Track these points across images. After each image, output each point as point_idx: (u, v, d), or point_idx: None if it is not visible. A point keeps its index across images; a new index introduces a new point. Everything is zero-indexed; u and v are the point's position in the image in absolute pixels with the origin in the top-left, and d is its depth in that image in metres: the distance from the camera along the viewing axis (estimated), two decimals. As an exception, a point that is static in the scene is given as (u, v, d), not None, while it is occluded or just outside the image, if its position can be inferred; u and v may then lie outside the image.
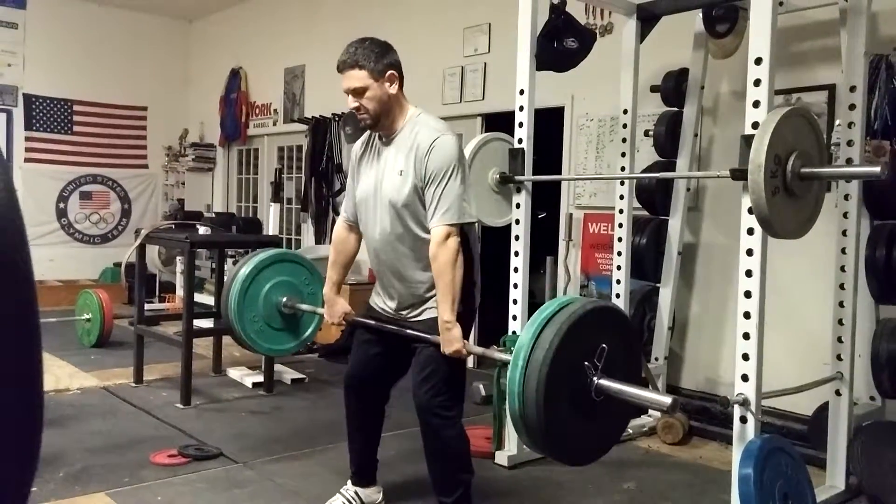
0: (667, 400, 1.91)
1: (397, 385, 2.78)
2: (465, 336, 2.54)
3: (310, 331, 3.08)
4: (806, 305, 3.78)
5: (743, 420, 2.74)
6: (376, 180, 2.54)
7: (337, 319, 2.74)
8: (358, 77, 2.45)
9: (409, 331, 2.54)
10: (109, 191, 8.57)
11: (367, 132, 2.67)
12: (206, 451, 3.45)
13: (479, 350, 2.50)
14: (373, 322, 2.67)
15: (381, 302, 2.68)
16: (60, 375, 4.80)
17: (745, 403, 2.73)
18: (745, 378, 2.75)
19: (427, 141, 2.42)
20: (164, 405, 4.23)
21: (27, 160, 7.96)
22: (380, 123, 2.52)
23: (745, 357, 2.76)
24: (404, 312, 2.60)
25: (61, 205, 8.26)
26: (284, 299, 2.92)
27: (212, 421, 3.99)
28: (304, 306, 2.94)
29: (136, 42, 8.58)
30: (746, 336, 2.76)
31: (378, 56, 2.48)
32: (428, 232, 2.46)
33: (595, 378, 1.89)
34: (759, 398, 2.75)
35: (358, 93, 2.46)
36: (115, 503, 2.87)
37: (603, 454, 2.13)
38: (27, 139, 7.98)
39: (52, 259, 7.82)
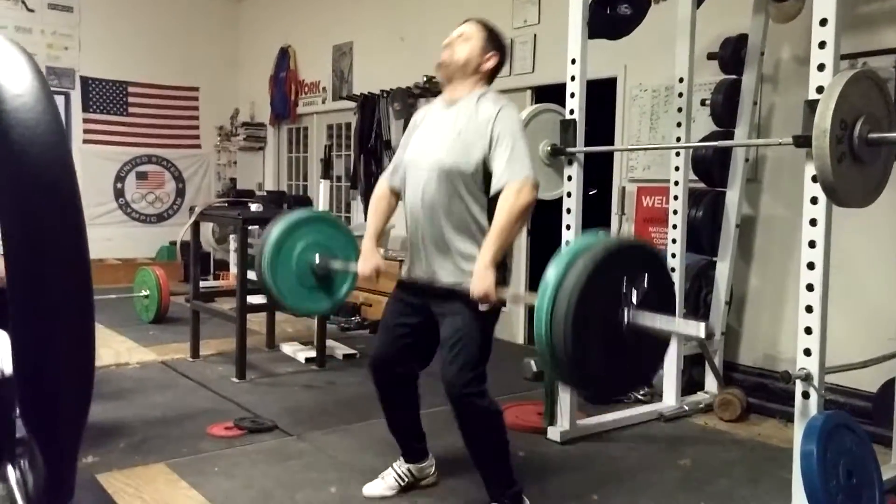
0: (700, 326, 1.85)
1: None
2: (493, 321, 2.50)
3: (344, 290, 3.00)
4: (870, 279, 3.64)
5: (805, 395, 2.66)
6: (430, 142, 2.53)
7: (369, 272, 2.65)
8: (470, 28, 2.56)
9: (440, 284, 2.47)
10: (164, 170, 8.75)
11: (433, 103, 2.68)
12: (260, 423, 3.51)
13: (511, 293, 2.42)
14: (404, 278, 2.63)
15: (415, 272, 2.59)
16: (120, 350, 4.94)
17: (807, 378, 2.65)
18: (807, 352, 2.66)
19: (493, 107, 2.45)
20: (220, 379, 4.32)
21: (86, 141, 8.16)
22: (453, 80, 2.55)
23: (808, 331, 2.67)
24: (441, 282, 2.50)
25: (119, 185, 8.46)
26: (317, 258, 2.88)
27: (266, 395, 4.06)
28: (337, 263, 2.89)
29: (188, 23, 8.69)
30: (809, 309, 2.67)
31: (494, 35, 2.59)
32: (476, 202, 2.44)
33: (628, 310, 1.83)
34: (823, 373, 2.67)
35: (460, 37, 2.53)
36: (175, 473, 2.95)
37: (632, 390, 2.06)
38: (85, 121, 8.18)
39: (110, 238, 8.03)
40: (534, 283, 2.73)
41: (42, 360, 0.37)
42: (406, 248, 2.68)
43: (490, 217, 2.42)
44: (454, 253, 2.48)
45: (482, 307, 2.37)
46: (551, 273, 1.84)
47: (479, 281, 2.30)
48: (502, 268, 2.44)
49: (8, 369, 0.44)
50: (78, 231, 0.39)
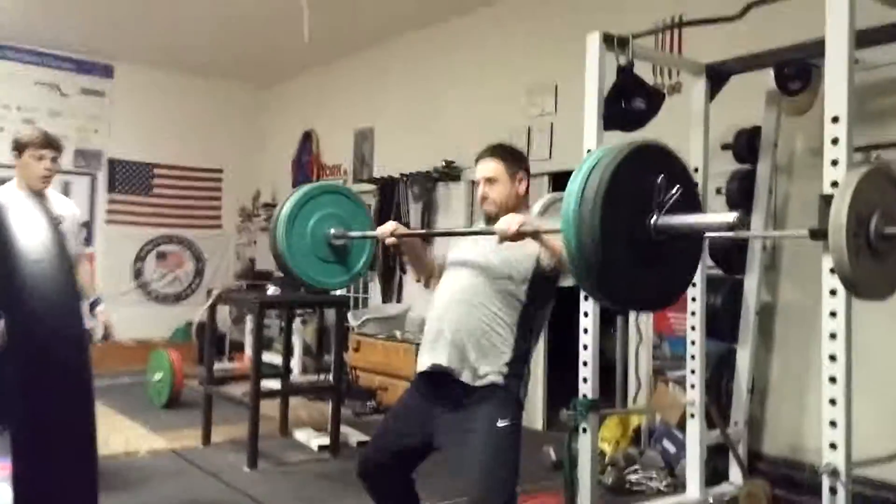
0: (729, 217, 1.76)
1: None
2: (518, 447, 2.41)
3: (361, 262, 2.92)
4: (894, 369, 3.58)
5: (833, 491, 2.58)
6: (474, 243, 2.60)
7: (391, 228, 2.62)
8: (493, 167, 2.61)
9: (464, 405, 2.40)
10: (185, 250, 8.87)
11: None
12: (272, 514, 3.44)
13: (534, 226, 2.27)
14: (419, 231, 2.62)
15: (436, 359, 2.49)
16: (130, 437, 4.87)
17: (834, 473, 2.58)
18: (833, 446, 2.60)
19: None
20: (231, 468, 4.26)
21: (108, 221, 8.34)
22: (498, 215, 2.51)
23: (833, 424, 2.61)
24: (465, 375, 2.43)
25: (138, 265, 8.57)
26: (332, 230, 2.81)
27: (278, 485, 3.99)
28: (354, 233, 2.82)
29: (214, 107, 8.98)
30: (833, 402, 2.62)
31: (515, 158, 2.66)
32: (501, 317, 2.44)
33: (656, 215, 1.76)
34: (850, 467, 2.60)
35: (490, 181, 2.60)
36: (184, 567, 2.87)
37: (667, 304, 1.97)
38: (109, 201, 8.37)
39: (126, 319, 8.05)
40: (551, 375, 2.70)
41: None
42: (425, 343, 2.59)
43: (521, 332, 2.44)
44: (478, 359, 2.42)
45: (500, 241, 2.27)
46: (575, 177, 1.79)
47: (506, 219, 2.25)
48: (519, 375, 2.44)
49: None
50: (85, 407, 0.41)
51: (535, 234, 2.26)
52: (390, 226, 2.66)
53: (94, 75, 8.30)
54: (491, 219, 2.59)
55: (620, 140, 3.54)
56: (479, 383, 2.41)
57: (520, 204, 2.62)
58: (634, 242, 1.79)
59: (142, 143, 8.52)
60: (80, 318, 0.42)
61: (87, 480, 0.40)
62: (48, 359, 0.39)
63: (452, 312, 2.48)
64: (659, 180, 1.79)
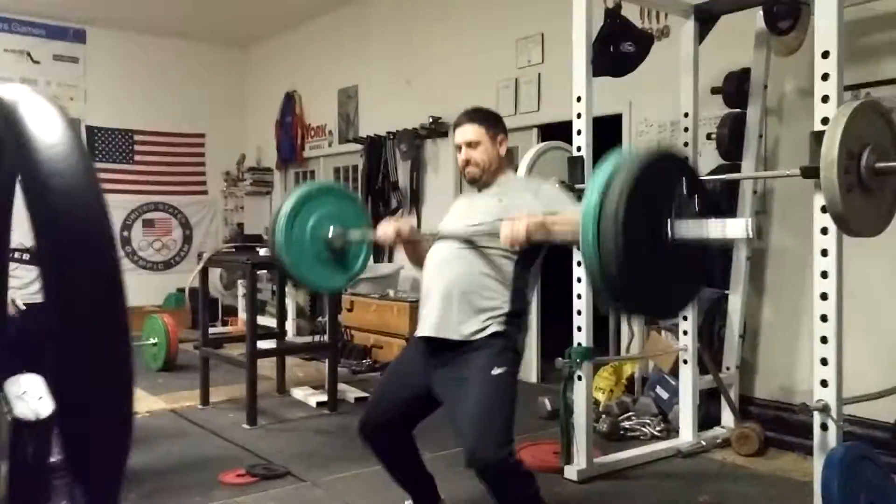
0: (742, 222, 1.84)
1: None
2: (514, 395, 2.43)
3: (359, 264, 2.91)
4: (886, 307, 3.61)
5: (824, 427, 2.63)
6: (462, 212, 2.66)
7: (392, 231, 2.60)
8: (474, 131, 2.62)
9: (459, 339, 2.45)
10: (171, 217, 8.80)
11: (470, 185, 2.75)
12: (273, 469, 3.47)
13: (539, 221, 2.25)
14: (428, 234, 2.69)
15: (432, 328, 2.51)
16: (130, 398, 4.89)
17: (825, 410, 2.62)
18: (824, 384, 2.64)
19: (525, 186, 2.65)
20: (231, 426, 4.28)
21: (94, 191, 8.24)
22: (482, 178, 2.64)
23: (824, 362, 2.65)
24: (454, 326, 2.45)
25: (125, 233, 8.50)
26: (331, 231, 2.78)
27: (278, 440, 4.02)
28: (355, 233, 2.79)
29: (193, 70, 8.82)
30: (824, 340, 2.66)
31: (493, 120, 2.68)
32: (495, 274, 2.47)
33: (672, 221, 1.78)
34: (841, 404, 2.64)
35: (472, 146, 2.61)
36: (188, 522, 2.90)
37: (684, 306, 2.00)
38: (93, 170, 8.26)
39: (118, 286, 8.06)
40: (546, 325, 2.72)
41: (85, 407, 0.37)
42: (423, 305, 2.61)
43: (517, 283, 2.47)
44: (473, 313, 2.44)
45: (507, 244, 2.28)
46: (598, 176, 1.77)
47: (511, 223, 2.23)
48: (516, 324, 2.48)
49: (43, 412, 0.44)
50: (113, 278, 0.40)
51: (546, 234, 2.26)
52: (392, 228, 2.62)
53: (66, 41, 8.10)
54: (475, 181, 2.65)
55: (611, 84, 3.53)
56: (473, 337, 2.43)
57: (501, 165, 2.66)
58: (653, 250, 1.79)
59: (121, 109, 8.38)
60: (103, 202, 0.41)
61: (122, 351, 0.39)
62: (75, 230, 0.38)
63: (444, 269, 2.52)
64: (677, 188, 1.82)
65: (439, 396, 2.49)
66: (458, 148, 2.65)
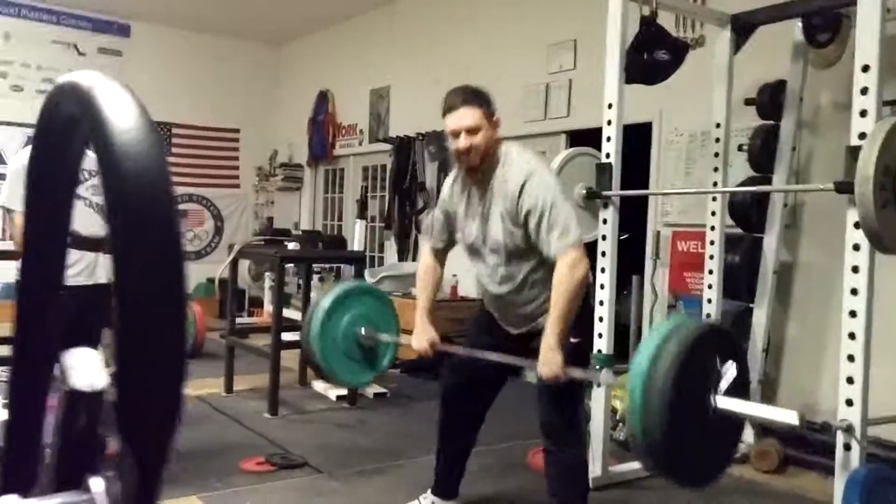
0: (792, 416, 1.83)
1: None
2: (584, 362, 2.57)
3: (385, 361, 3.06)
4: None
5: (847, 447, 2.59)
6: (482, 227, 2.57)
7: (425, 347, 2.68)
8: (474, 115, 2.47)
9: (501, 357, 2.53)
10: (204, 209, 8.93)
11: (456, 173, 2.72)
12: (291, 459, 3.51)
13: (580, 374, 2.41)
14: (461, 349, 2.70)
15: (496, 317, 2.71)
16: (156, 384, 4.98)
17: (849, 430, 2.59)
18: (849, 403, 2.61)
19: (516, 183, 2.44)
20: (253, 415, 4.34)
21: (129, 179, 8.38)
22: (482, 165, 2.52)
23: (850, 380, 2.62)
24: (525, 329, 2.62)
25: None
26: (363, 330, 2.93)
27: (298, 431, 4.07)
28: (386, 337, 2.93)
29: (230, 67, 8.95)
30: (851, 358, 2.62)
31: (486, 99, 2.53)
32: (535, 269, 2.51)
33: (714, 398, 1.82)
34: (865, 425, 2.60)
35: (472, 132, 2.46)
36: (206, 507, 2.96)
37: (721, 474, 2.05)
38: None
39: (149, 274, 8.19)
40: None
41: (141, 378, 0.41)
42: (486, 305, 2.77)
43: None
44: (525, 315, 2.60)
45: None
46: (643, 357, 1.83)
47: (546, 365, 2.32)
48: (579, 349, 2.53)
49: (98, 384, 0.47)
50: (176, 259, 0.43)
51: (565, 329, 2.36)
52: (426, 342, 2.68)
53: (111, 34, 8.28)
54: (472, 169, 2.54)
55: (642, 92, 3.51)
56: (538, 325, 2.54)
57: (497, 146, 2.53)
58: (695, 424, 1.82)
59: (159, 102, 8.48)
60: (167, 169, 0.44)
61: (176, 330, 0.42)
62: (145, 211, 0.41)
63: (497, 300, 2.64)
64: (719, 363, 1.83)
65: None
66: (455, 134, 2.49)
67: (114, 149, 0.42)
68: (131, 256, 0.40)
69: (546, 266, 2.48)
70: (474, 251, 2.63)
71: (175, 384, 0.43)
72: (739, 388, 1.93)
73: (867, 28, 2.51)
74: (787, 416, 1.87)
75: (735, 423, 1.93)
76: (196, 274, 8.64)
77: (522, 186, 2.41)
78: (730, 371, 1.84)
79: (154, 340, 0.40)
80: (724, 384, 1.82)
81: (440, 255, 2.79)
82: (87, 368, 0.48)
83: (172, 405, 0.43)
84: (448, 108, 2.51)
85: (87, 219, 2.89)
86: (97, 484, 0.45)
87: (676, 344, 1.78)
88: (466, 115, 2.46)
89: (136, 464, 0.42)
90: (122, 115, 0.43)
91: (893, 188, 2.32)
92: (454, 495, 2.85)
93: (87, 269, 3.32)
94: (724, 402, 1.81)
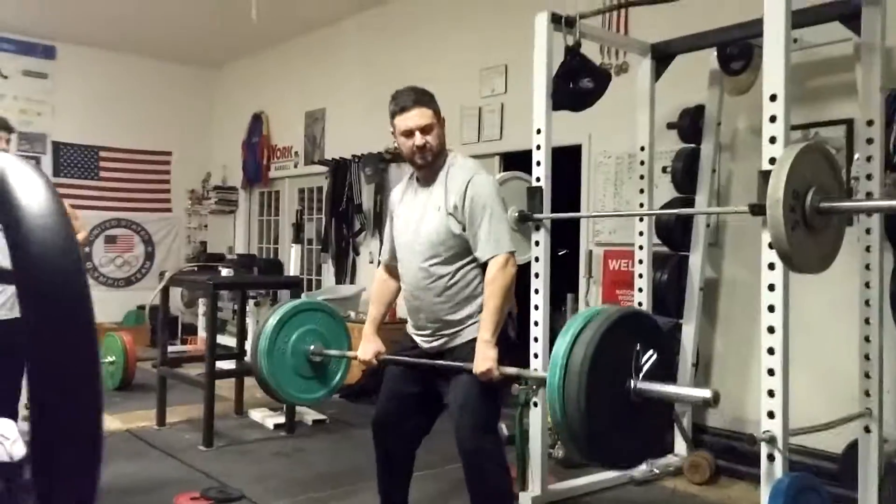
0: (706, 393, 1.92)
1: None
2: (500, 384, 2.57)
3: (338, 377, 3.07)
4: (832, 341, 3.73)
5: (770, 458, 2.69)
6: (416, 220, 2.62)
7: (369, 357, 2.73)
8: (427, 115, 2.57)
9: (442, 362, 2.57)
10: (134, 234, 8.70)
11: (406, 178, 2.78)
12: (228, 493, 3.45)
13: (513, 371, 2.47)
14: (406, 359, 2.69)
15: (417, 335, 2.72)
16: (85, 418, 4.81)
17: (772, 441, 2.69)
18: (771, 415, 2.71)
19: (463, 179, 2.53)
20: (187, 448, 4.24)
21: (54, 206, 8.11)
22: (434, 163, 2.60)
23: (771, 394, 2.72)
24: (440, 342, 2.63)
25: (87, 249, 8.37)
26: (312, 347, 2.93)
27: (234, 463, 3.99)
28: (333, 351, 2.95)
29: (161, 89, 8.78)
30: (771, 372, 2.73)
31: (434, 100, 2.63)
32: (462, 276, 2.55)
33: (634, 381, 1.90)
34: (787, 435, 2.71)
35: (426, 131, 2.55)
36: (139, 547, 2.87)
37: (646, 457, 2.14)
38: (55, 185, 8.13)
39: (77, 302, 7.93)
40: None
41: (56, 455, 0.42)
42: (408, 313, 2.77)
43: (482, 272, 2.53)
44: (447, 322, 2.61)
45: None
46: (559, 346, 1.90)
47: (481, 359, 2.39)
48: (505, 341, 2.53)
49: (17, 454, 0.48)
50: (89, 345, 0.44)
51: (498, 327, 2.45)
52: (371, 352, 2.73)
53: (36, 56, 8.03)
54: (423, 167, 2.61)
55: (571, 116, 3.61)
56: (457, 337, 2.59)
57: (444, 146, 2.63)
58: (615, 407, 1.93)
59: (87, 125, 8.30)
60: (81, 264, 0.45)
61: (93, 398, 0.43)
62: (52, 300, 0.42)
63: (423, 301, 2.62)
64: (637, 347, 1.95)
65: (439, 388, 2.67)
66: (408, 134, 2.55)
67: (23, 232, 0.43)
68: (44, 342, 0.42)
69: (469, 277, 2.55)
70: (405, 247, 2.66)
71: (91, 460, 0.44)
72: (661, 372, 2.01)
73: (774, 59, 2.64)
74: (701, 393, 1.97)
75: (660, 406, 2.01)
76: (126, 301, 8.40)
77: (469, 181, 2.52)
78: (649, 355, 1.92)
79: (68, 426, 0.41)
80: (645, 367, 1.91)
81: (394, 272, 2.81)
82: (5, 438, 0.49)
83: (88, 483, 0.44)
84: (400, 109, 2.58)
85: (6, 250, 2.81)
86: None
87: (593, 329, 1.87)
88: (419, 115, 2.55)
89: None
90: (33, 198, 0.45)
91: (802, 210, 2.44)
92: None
93: (8, 301, 3.24)
94: (644, 388, 1.90)
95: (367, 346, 2.75)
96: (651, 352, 1.95)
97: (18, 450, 0.49)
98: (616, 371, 1.92)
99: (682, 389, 2.03)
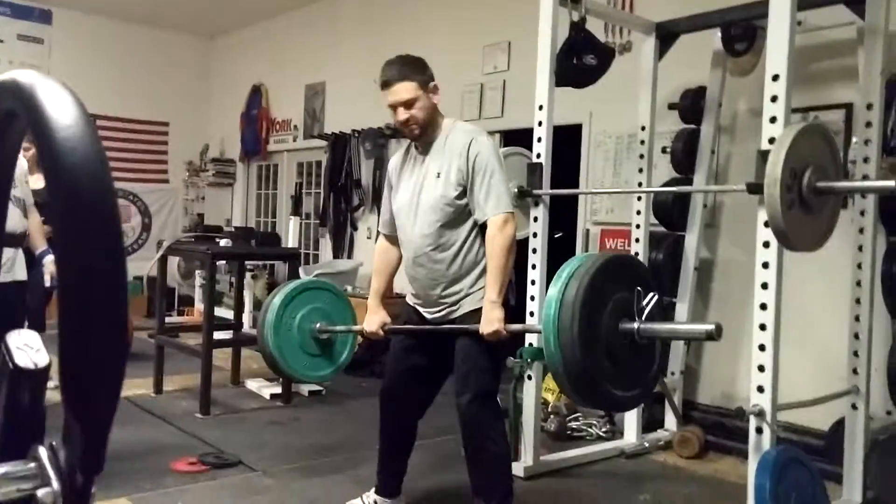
0: (709, 326, 1.95)
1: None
2: (502, 345, 2.60)
3: (344, 356, 3.11)
4: (823, 320, 3.79)
5: (759, 431, 2.75)
6: (415, 188, 2.63)
7: (375, 329, 2.76)
8: (409, 88, 2.55)
9: (448, 326, 2.60)
10: (130, 205, 8.69)
11: (405, 147, 2.78)
12: (225, 458, 3.50)
13: (518, 327, 2.54)
14: (413, 327, 2.72)
15: (419, 305, 2.74)
16: (82, 384, 4.86)
17: (760, 414, 2.75)
18: (760, 389, 2.77)
19: (464, 141, 2.55)
20: (184, 415, 4.29)
21: (51, 174, 8.10)
22: (424, 134, 2.62)
23: (761, 368, 2.78)
24: (443, 313, 2.65)
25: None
26: (318, 325, 2.96)
27: (231, 430, 4.04)
28: (339, 327, 2.98)
29: (159, 58, 8.73)
30: (762, 348, 2.78)
31: (422, 68, 2.61)
32: (464, 242, 2.57)
33: (638, 323, 1.93)
34: (775, 409, 2.77)
35: (409, 104, 2.55)
36: (138, 507, 2.92)
37: (637, 404, 2.17)
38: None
39: (73, 271, 7.95)
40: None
41: (84, 348, 0.45)
42: (409, 282, 2.79)
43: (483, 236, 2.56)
44: (448, 292, 2.62)
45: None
46: (554, 285, 1.93)
47: (488, 320, 2.42)
48: (504, 306, 2.55)
49: (41, 362, 0.51)
50: (115, 244, 0.47)
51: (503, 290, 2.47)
52: (377, 323, 2.75)
53: (32, 20, 7.97)
54: (417, 139, 2.65)
55: (573, 95, 3.63)
56: (460, 308, 2.60)
57: (437, 114, 2.63)
58: (609, 345, 1.95)
59: (84, 93, 7.69)
60: (107, 165, 0.48)
61: (118, 303, 0.46)
62: (85, 200, 0.45)
63: (423, 267, 2.64)
64: (636, 289, 1.97)
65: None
66: (394, 108, 2.58)
67: (55, 143, 0.45)
68: (74, 243, 0.44)
69: (470, 244, 2.58)
70: (406, 215, 2.66)
71: (116, 356, 0.47)
72: (660, 314, 2.06)
73: (777, 39, 2.67)
74: (703, 327, 2.00)
75: (653, 353, 2.05)
76: (123, 271, 8.41)
77: (470, 143, 2.53)
78: (651, 297, 1.95)
79: (95, 318, 0.44)
80: (647, 308, 1.94)
81: (395, 242, 2.82)
82: (29, 348, 0.52)
83: (114, 376, 0.47)
84: (383, 84, 2.60)
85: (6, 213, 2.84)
86: (42, 453, 0.49)
87: (587, 267, 1.93)
88: (401, 90, 2.55)
89: (81, 431, 0.46)
90: (62, 110, 0.47)
91: (799, 190, 2.48)
92: (397, 493, 2.90)
93: (6, 264, 3.26)
94: (646, 327, 1.93)
95: (373, 318, 2.77)
96: (653, 294, 1.97)
97: (42, 358, 0.53)
98: (609, 308, 1.94)
99: (685, 325, 2.08)
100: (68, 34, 8.12)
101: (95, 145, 0.47)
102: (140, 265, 7.84)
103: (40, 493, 0.47)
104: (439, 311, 2.66)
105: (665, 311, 4.20)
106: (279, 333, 2.88)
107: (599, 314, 1.93)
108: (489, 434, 2.57)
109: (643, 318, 1.95)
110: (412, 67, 2.59)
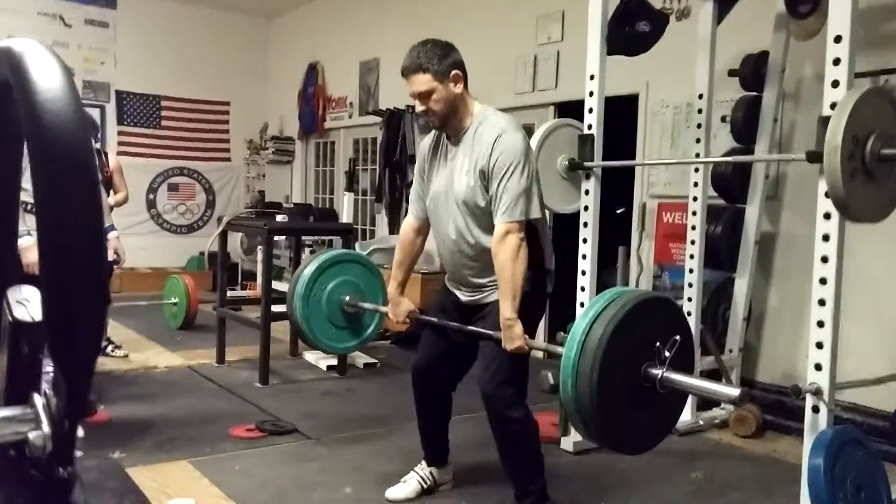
0: (735, 391, 1.86)
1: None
2: (537, 319, 2.60)
3: (371, 329, 3.13)
4: (890, 295, 3.63)
5: (815, 410, 2.67)
6: (447, 180, 2.58)
7: (402, 318, 2.78)
8: (423, 81, 2.48)
9: (471, 328, 2.57)
10: (195, 182, 8.95)
11: (434, 131, 2.72)
12: (281, 426, 3.59)
13: (542, 345, 2.50)
14: (435, 320, 2.72)
15: (453, 287, 2.74)
16: (149, 355, 5.08)
17: (817, 393, 2.66)
18: (818, 367, 2.68)
19: (490, 138, 2.45)
20: (244, 384, 4.42)
21: (119, 153, 8.37)
22: (447, 124, 2.55)
23: (819, 345, 2.69)
24: (476, 297, 2.64)
25: (151, 196, 8.67)
26: (347, 298, 2.98)
27: (287, 400, 4.15)
28: (367, 304, 3.00)
29: (219, 39, 8.91)
30: (821, 324, 2.69)
31: (441, 57, 2.50)
32: (489, 234, 2.51)
33: (661, 370, 1.86)
34: (833, 388, 2.67)
35: (424, 96, 2.48)
36: (197, 470, 3.04)
37: (653, 446, 2.11)
38: (119, 133, 8.41)
39: (142, 248, 8.20)
40: (553, 299, 2.77)
41: (65, 302, 0.46)
42: (444, 266, 2.79)
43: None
44: (474, 285, 2.62)
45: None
46: (579, 323, 1.89)
47: (508, 339, 2.38)
48: (540, 287, 2.54)
49: (38, 316, 0.53)
50: (92, 199, 0.48)
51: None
52: (402, 314, 2.76)
53: (98, 6, 8.21)
54: (440, 129, 2.60)
55: (629, 64, 3.54)
56: (494, 297, 2.54)
57: (460, 104, 2.52)
58: (628, 390, 1.87)
59: (148, 75, 8.50)
60: (87, 126, 0.49)
61: (95, 263, 0.48)
62: (65, 159, 0.47)
63: (450, 256, 2.64)
64: (661, 337, 1.87)
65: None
66: (413, 97, 2.53)
67: (36, 103, 0.47)
68: (51, 198, 0.46)
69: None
70: (438, 207, 2.62)
71: (95, 310, 0.48)
72: (685, 361, 1.97)
73: (840, -1, 2.53)
74: (729, 392, 1.92)
75: (675, 398, 1.99)
76: (188, 247, 8.70)
77: (495, 141, 2.43)
78: (673, 342, 1.88)
79: (74, 271, 0.46)
80: (666, 355, 1.87)
81: (421, 228, 2.80)
82: (28, 302, 0.54)
83: (93, 329, 0.48)
84: (402, 72, 2.55)
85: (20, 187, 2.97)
86: (38, 400, 0.51)
87: (615, 309, 1.85)
88: (416, 82, 2.49)
89: (64, 380, 0.48)
90: (45, 73, 0.49)
91: (862, 157, 2.37)
92: (445, 462, 2.94)
93: None
94: (670, 378, 1.86)
95: (398, 308, 2.78)
96: (676, 337, 1.89)
97: (39, 312, 0.55)
98: (634, 353, 1.86)
99: (712, 385, 1.99)
100: (132, 18, 8.35)
101: (74, 104, 0.48)
102: (204, 241, 8.10)
103: (32, 435, 0.50)
104: (473, 296, 2.65)
105: (723, 288, 4.10)
106: (308, 301, 2.91)
107: (623, 360, 1.85)
108: (510, 414, 2.52)
109: (667, 367, 1.87)
110: (430, 56, 2.48)
